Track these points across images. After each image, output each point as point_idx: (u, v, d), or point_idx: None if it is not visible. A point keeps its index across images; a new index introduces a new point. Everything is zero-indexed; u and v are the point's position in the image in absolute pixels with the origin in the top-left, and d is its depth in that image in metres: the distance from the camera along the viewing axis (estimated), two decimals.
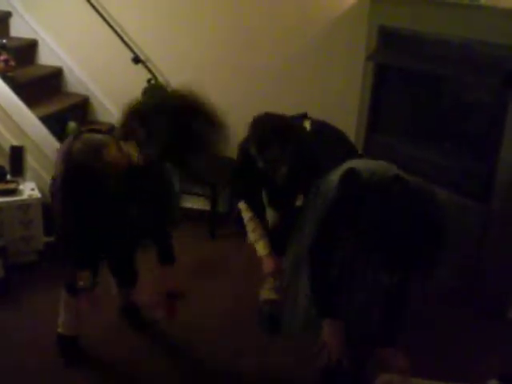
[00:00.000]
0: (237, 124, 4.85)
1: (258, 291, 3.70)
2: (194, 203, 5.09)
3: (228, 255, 4.48)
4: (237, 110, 4.86)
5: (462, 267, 3.76)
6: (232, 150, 4.95)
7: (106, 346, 3.37)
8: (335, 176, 2.61)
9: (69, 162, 2.78)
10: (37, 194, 4.02)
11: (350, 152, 3.21)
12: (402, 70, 4.25)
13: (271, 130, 3.11)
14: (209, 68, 4.91)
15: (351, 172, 2.52)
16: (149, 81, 4.89)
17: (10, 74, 4.49)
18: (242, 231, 3.67)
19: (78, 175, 2.74)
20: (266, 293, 3.63)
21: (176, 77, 4.95)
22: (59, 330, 3.23)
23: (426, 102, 4.20)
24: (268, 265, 3.43)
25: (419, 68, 4.04)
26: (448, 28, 3.74)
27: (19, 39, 5.17)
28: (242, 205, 3.55)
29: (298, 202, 3.39)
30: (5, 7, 5.18)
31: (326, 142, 3.23)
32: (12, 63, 4.56)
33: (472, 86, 3.91)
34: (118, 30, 4.88)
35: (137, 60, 4.87)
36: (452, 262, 3.59)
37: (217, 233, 4.76)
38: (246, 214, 3.53)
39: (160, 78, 4.94)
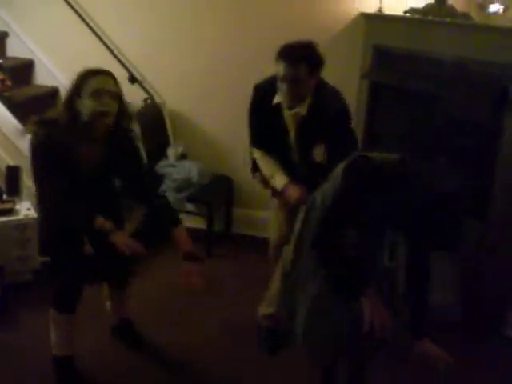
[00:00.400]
0: (235, 142, 4.96)
1: (257, 308, 3.67)
2: (190, 222, 5.09)
3: (224, 274, 4.47)
4: (235, 128, 4.92)
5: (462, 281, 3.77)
6: (228, 169, 5.02)
7: (102, 366, 3.35)
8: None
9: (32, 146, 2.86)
10: (33, 213, 4.01)
11: None
12: (396, 87, 4.27)
13: (301, 47, 3.12)
14: (206, 87, 4.93)
15: (357, 160, 2.54)
16: (145, 100, 4.91)
17: (6, 93, 4.50)
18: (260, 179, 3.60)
19: (43, 150, 2.81)
20: (264, 309, 3.61)
21: (172, 96, 4.97)
22: (54, 351, 3.21)
23: (421, 120, 4.22)
24: (292, 192, 3.26)
25: (414, 86, 4.06)
26: (442, 47, 3.77)
27: (15, 59, 5.18)
28: (256, 152, 3.53)
29: (319, 158, 3.28)
30: (1, 27, 5.20)
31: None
32: (8, 83, 4.57)
33: (466, 103, 3.93)
34: (115, 50, 4.90)
35: (133, 80, 4.88)
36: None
37: (213, 252, 4.74)
38: (258, 153, 3.50)
39: (156, 98, 4.96)
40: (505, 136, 3.52)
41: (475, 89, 3.60)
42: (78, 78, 2.85)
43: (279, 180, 3.34)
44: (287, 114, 3.28)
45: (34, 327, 3.61)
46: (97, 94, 2.77)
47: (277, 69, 3.12)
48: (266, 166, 3.44)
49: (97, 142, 2.89)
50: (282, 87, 3.13)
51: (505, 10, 3.86)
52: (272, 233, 3.72)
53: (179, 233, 3.07)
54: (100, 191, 3.03)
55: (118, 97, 2.88)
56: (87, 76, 2.83)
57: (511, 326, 3.80)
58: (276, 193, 3.49)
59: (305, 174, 3.34)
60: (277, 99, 3.25)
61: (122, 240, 2.83)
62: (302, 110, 3.22)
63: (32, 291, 3.96)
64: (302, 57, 3.06)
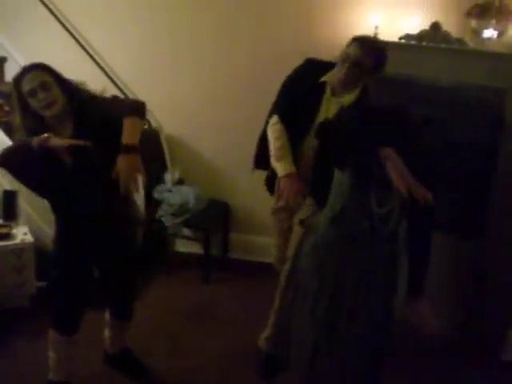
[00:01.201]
0: (232, 167, 4.97)
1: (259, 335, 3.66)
2: (187, 247, 5.09)
3: (222, 299, 4.45)
4: (231, 153, 4.94)
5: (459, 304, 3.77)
6: (225, 194, 5.03)
7: None
8: None
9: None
10: (30, 238, 4.01)
11: None
12: None
13: (378, 43, 3.22)
14: (204, 112, 4.95)
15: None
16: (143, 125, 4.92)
17: (3, 119, 4.51)
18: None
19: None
20: (264, 332, 3.59)
21: (169, 121, 4.99)
22: (50, 376, 3.18)
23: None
24: (289, 186, 3.09)
25: (411, 111, 4.08)
26: (437, 72, 3.80)
27: None
28: (274, 118, 3.32)
29: None
30: (0, 53, 5.23)
31: None
32: (6, 108, 4.58)
33: (463, 128, 3.96)
34: (113, 76, 4.93)
35: None
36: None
37: (210, 277, 4.73)
38: (275, 120, 3.29)
39: (153, 122, 4.97)
40: (500, 158, 3.55)
41: (471, 113, 3.63)
42: (13, 85, 2.89)
43: (285, 165, 3.16)
44: (328, 96, 3.19)
45: (29, 353, 3.58)
46: (32, 94, 2.79)
47: (346, 50, 3.08)
48: (279, 138, 3.23)
49: (65, 132, 2.84)
50: (342, 67, 3.08)
51: (499, 36, 3.90)
52: (274, 255, 3.68)
53: (126, 122, 2.80)
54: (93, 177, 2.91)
55: (53, 83, 2.86)
56: (18, 81, 2.86)
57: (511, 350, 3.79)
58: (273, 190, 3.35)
59: (311, 166, 3.14)
60: (325, 77, 3.18)
61: (59, 142, 2.72)
62: (346, 101, 3.17)
63: (28, 317, 3.93)
64: (375, 49, 3.08)
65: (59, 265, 3.05)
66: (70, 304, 3.05)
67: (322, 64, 3.27)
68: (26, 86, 2.80)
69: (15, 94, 2.87)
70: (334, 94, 3.19)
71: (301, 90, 3.25)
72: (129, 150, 2.74)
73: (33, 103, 2.78)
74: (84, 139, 2.73)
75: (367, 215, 2.54)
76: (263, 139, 3.41)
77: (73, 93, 2.89)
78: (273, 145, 3.25)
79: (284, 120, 3.27)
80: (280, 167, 3.17)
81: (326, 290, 2.65)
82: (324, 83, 3.20)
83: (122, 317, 3.38)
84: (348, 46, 3.09)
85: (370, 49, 3.05)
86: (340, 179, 2.62)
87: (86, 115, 2.85)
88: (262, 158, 3.45)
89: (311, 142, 3.12)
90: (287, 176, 3.13)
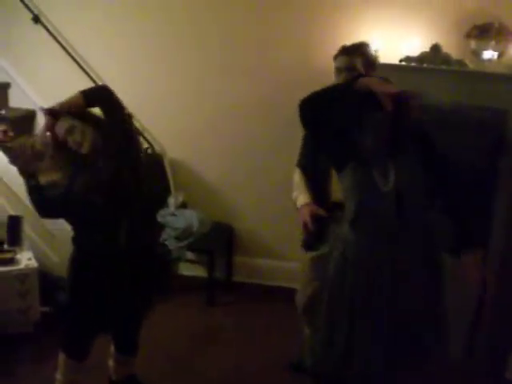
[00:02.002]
0: (235, 190, 4.98)
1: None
2: (191, 271, 5.09)
3: (226, 322, 4.43)
4: (235, 177, 4.95)
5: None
6: (229, 218, 5.04)
7: None
8: None
9: None
10: (34, 263, 4.01)
11: None
12: None
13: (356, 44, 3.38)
14: (207, 136, 4.97)
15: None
16: (145, 150, 4.95)
17: (8, 144, 4.53)
18: None
19: None
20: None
21: (173, 145, 5.01)
22: None
23: None
24: (305, 211, 3.19)
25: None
26: (439, 93, 3.81)
27: (18, 110, 5.23)
28: (296, 172, 3.47)
29: None
30: (4, 78, 5.28)
31: None
32: (10, 133, 4.60)
33: (463, 149, 3.96)
34: None
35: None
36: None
37: (215, 300, 4.71)
38: (297, 174, 3.46)
39: (157, 147, 5.00)
40: (500, 179, 3.55)
41: (471, 134, 3.63)
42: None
43: (301, 198, 3.30)
44: None
45: (33, 379, 3.56)
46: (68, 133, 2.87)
47: (335, 64, 3.30)
48: (298, 185, 3.40)
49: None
50: (339, 79, 3.24)
51: (499, 57, 3.92)
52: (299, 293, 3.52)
53: None
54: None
55: (85, 122, 2.91)
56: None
57: None
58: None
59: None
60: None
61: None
62: None
63: (32, 342, 3.91)
64: (357, 50, 3.29)
65: (75, 294, 3.04)
66: (84, 332, 3.04)
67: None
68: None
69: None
70: None
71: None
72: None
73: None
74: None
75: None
76: None
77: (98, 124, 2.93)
78: (294, 198, 3.38)
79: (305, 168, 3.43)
80: (298, 202, 3.31)
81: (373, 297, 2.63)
82: None
83: (127, 353, 3.35)
84: (335, 61, 3.32)
85: (353, 51, 3.27)
86: (342, 180, 2.66)
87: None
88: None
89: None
90: (303, 205, 3.25)
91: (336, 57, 3.31)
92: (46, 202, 2.91)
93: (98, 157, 2.84)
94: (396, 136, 2.54)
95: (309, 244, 3.31)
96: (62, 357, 3.09)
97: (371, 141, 2.51)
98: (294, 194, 3.38)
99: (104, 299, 3.00)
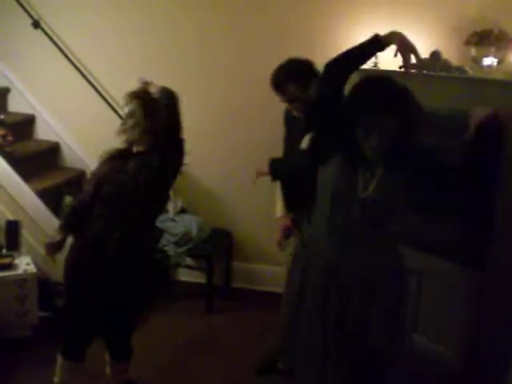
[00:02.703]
0: (234, 196, 4.98)
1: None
2: (190, 276, 5.08)
3: (225, 329, 4.42)
4: (234, 182, 4.95)
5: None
6: (228, 223, 5.03)
7: None
8: None
9: None
10: (32, 268, 4.00)
11: None
12: None
13: (283, 69, 3.43)
14: (207, 142, 4.96)
15: None
16: None
17: (7, 148, 4.54)
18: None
19: None
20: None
21: None
22: None
23: None
24: (275, 226, 3.52)
25: None
26: (437, 100, 3.81)
27: (17, 114, 5.24)
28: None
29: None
30: (3, 83, 5.29)
31: None
32: (10, 138, 4.61)
33: (462, 156, 3.95)
34: (114, 105, 4.96)
35: None
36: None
37: (213, 306, 4.70)
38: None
39: None
40: (500, 187, 3.54)
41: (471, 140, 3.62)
42: None
43: (277, 210, 3.62)
44: None
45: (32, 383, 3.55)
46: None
47: (280, 100, 3.33)
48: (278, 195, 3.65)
49: None
50: (295, 108, 3.32)
51: (499, 63, 3.92)
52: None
53: None
54: None
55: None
56: None
57: None
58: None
59: None
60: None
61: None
62: None
63: (30, 347, 3.91)
64: (285, 79, 3.25)
65: (74, 298, 3.08)
66: (83, 334, 3.08)
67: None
68: None
69: None
70: None
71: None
72: None
73: None
74: None
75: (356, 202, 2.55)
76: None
77: None
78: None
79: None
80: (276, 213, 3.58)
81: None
82: None
83: (121, 358, 3.34)
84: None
85: (279, 84, 3.33)
86: (323, 176, 2.63)
87: None
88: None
89: None
90: (276, 219, 3.58)
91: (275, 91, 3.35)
92: None
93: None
94: (400, 147, 2.51)
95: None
96: (59, 360, 3.11)
97: (375, 144, 2.48)
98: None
99: (99, 301, 3.03)
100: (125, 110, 3.00)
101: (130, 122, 2.95)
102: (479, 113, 2.60)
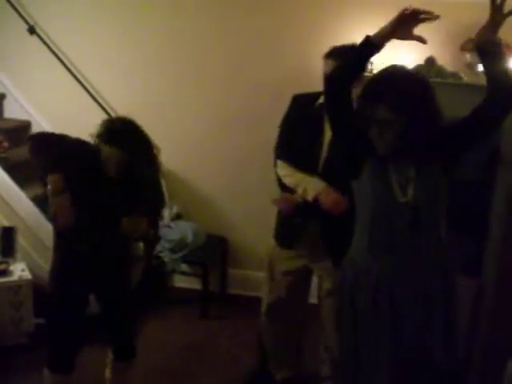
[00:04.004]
0: (230, 202, 4.98)
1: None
2: (185, 283, 5.07)
3: (220, 336, 4.41)
4: (230, 189, 4.94)
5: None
6: (223, 230, 5.03)
7: None
8: None
9: None
10: (27, 275, 3.99)
11: None
12: None
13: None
14: (202, 148, 4.98)
15: None
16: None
17: (3, 154, 4.53)
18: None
19: None
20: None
21: (168, 156, 4.99)
22: None
23: None
24: (327, 197, 3.04)
25: None
26: None
27: (13, 120, 5.23)
28: (281, 165, 3.37)
29: None
30: None
31: None
32: (5, 144, 4.60)
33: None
34: (111, 112, 4.96)
35: None
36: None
37: (209, 313, 4.69)
38: (283, 166, 3.35)
39: None
40: (497, 194, 3.54)
41: None
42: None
43: (315, 185, 3.11)
44: None
45: None
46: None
47: (325, 67, 3.14)
48: (294, 176, 3.25)
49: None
50: None
51: None
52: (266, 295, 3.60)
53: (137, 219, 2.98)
54: None
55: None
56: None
57: None
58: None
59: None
60: (322, 99, 3.14)
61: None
62: None
63: (25, 354, 3.89)
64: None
65: (54, 301, 3.06)
66: (65, 343, 3.04)
67: (310, 94, 3.33)
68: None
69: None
70: None
71: (299, 124, 3.31)
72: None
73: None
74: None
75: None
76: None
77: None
78: (297, 187, 3.22)
79: (291, 158, 3.31)
80: (313, 189, 3.12)
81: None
82: (321, 107, 3.15)
83: (126, 355, 3.28)
84: (325, 62, 3.17)
85: (342, 55, 3.07)
86: (359, 188, 2.58)
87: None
88: None
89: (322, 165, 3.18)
90: (322, 191, 3.09)
91: (326, 58, 3.18)
92: None
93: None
94: (410, 144, 2.44)
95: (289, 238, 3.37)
96: (45, 372, 3.08)
97: (379, 145, 2.45)
98: (294, 184, 3.23)
99: (84, 302, 3.08)
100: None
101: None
102: None
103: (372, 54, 2.51)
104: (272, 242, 3.53)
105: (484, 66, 2.45)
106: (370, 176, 2.52)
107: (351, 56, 2.52)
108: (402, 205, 2.46)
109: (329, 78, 2.57)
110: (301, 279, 3.46)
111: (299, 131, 3.28)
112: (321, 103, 3.17)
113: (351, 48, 2.89)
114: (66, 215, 2.78)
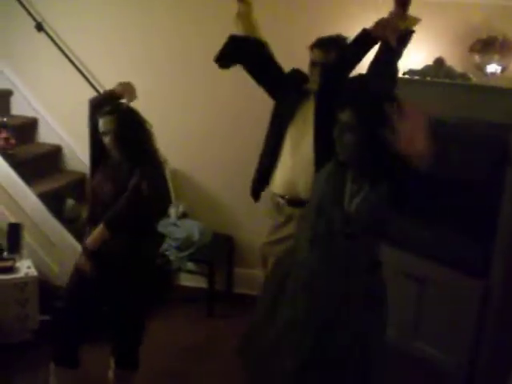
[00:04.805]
0: (236, 201, 4.97)
1: None
2: (191, 281, 5.06)
3: (226, 334, 4.39)
4: (235, 187, 4.93)
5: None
6: (229, 228, 5.02)
7: None
8: None
9: None
10: (33, 271, 3.99)
11: None
12: None
13: (332, 38, 3.41)
14: (208, 147, 4.97)
15: None
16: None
17: (9, 151, 4.53)
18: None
19: None
20: None
21: (174, 155, 5.00)
22: None
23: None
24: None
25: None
26: (441, 107, 3.81)
27: (20, 117, 5.25)
28: None
29: None
30: (6, 86, 5.29)
31: None
32: (12, 141, 4.60)
33: (468, 164, 3.95)
34: None
35: None
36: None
37: (215, 312, 4.69)
38: None
39: None
40: (506, 194, 3.53)
41: (475, 148, 3.62)
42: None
43: None
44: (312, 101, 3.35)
45: None
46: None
47: (311, 57, 3.40)
48: None
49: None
50: (314, 72, 3.36)
51: (502, 71, 3.93)
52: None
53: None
54: None
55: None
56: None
57: None
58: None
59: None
60: (307, 86, 3.45)
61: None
62: None
63: (31, 350, 3.90)
64: (332, 44, 3.33)
65: (66, 296, 3.11)
66: (68, 336, 3.07)
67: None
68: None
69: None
70: None
71: (287, 91, 3.54)
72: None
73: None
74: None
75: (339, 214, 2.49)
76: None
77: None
78: None
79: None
80: None
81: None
82: (308, 92, 3.41)
83: (127, 366, 3.26)
84: (311, 52, 3.41)
85: (328, 46, 3.33)
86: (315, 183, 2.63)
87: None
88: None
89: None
90: None
91: (311, 48, 3.40)
92: None
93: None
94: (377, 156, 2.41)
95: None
96: (51, 366, 3.10)
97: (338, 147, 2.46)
98: None
99: (93, 301, 3.08)
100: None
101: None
102: None
103: (368, 43, 2.61)
104: (263, 239, 3.66)
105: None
106: (329, 173, 2.55)
107: (352, 47, 2.61)
108: (345, 212, 2.48)
109: (331, 67, 2.80)
110: None
111: (283, 99, 3.58)
112: (307, 89, 3.42)
113: (343, 40, 3.30)
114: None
